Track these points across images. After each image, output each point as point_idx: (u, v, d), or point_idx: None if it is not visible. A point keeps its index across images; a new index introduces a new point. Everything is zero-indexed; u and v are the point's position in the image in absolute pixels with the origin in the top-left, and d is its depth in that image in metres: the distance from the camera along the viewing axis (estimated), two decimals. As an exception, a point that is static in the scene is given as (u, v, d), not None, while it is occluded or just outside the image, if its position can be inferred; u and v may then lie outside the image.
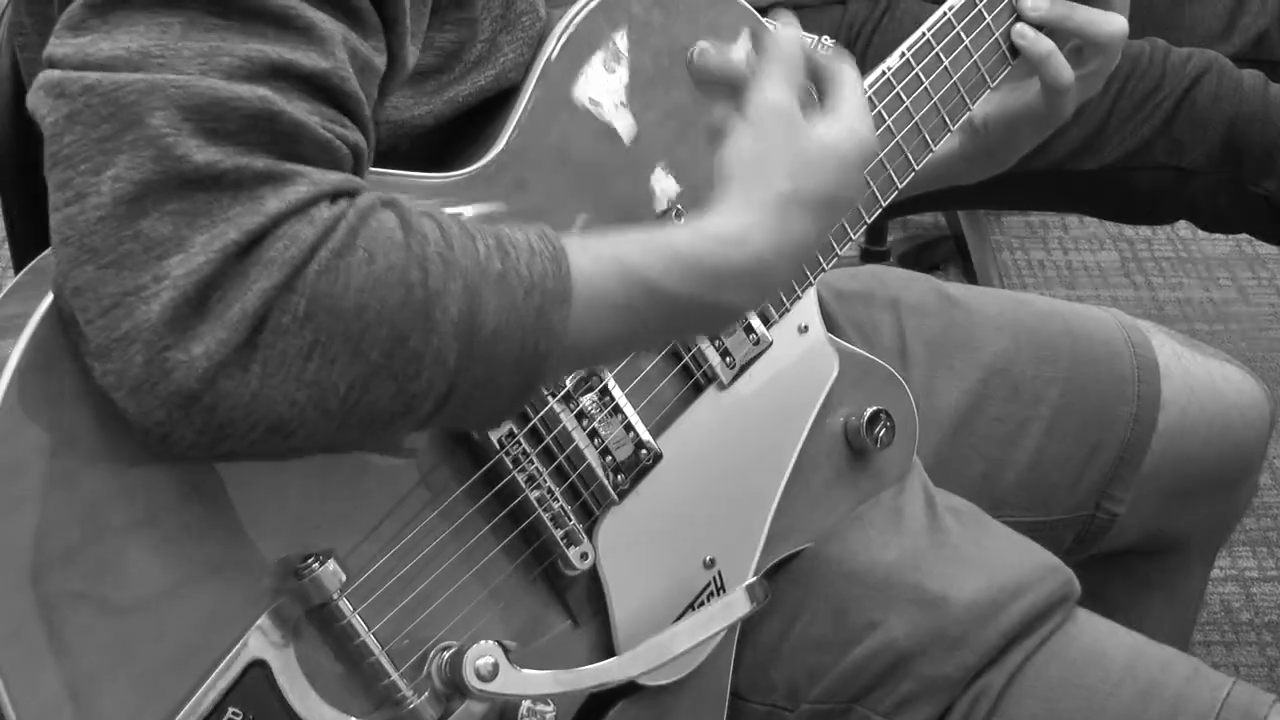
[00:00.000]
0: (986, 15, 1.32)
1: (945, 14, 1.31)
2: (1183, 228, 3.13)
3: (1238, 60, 2.08)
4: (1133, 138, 2.03)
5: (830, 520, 1.26)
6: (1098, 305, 1.59)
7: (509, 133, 1.11)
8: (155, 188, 0.88)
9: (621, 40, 1.16)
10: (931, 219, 3.10)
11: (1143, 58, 2.02)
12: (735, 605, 1.13)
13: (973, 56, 1.32)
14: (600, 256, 1.00)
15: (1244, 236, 2.79)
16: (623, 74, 1.16)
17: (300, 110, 0.92)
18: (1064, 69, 1.32)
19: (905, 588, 1.22)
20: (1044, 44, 1.32)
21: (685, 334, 1.14)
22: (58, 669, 0.90)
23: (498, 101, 1.14)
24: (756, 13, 1.24)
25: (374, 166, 1.02)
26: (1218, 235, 2.99)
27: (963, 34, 1.31)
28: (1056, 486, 1.48)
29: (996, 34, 1.33)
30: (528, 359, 0.96)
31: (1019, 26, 1.32)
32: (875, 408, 1.28)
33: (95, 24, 0.92)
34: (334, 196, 0.92)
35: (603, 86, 1.15)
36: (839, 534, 1.26)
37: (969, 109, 1.32)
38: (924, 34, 1.30)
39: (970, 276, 2.85)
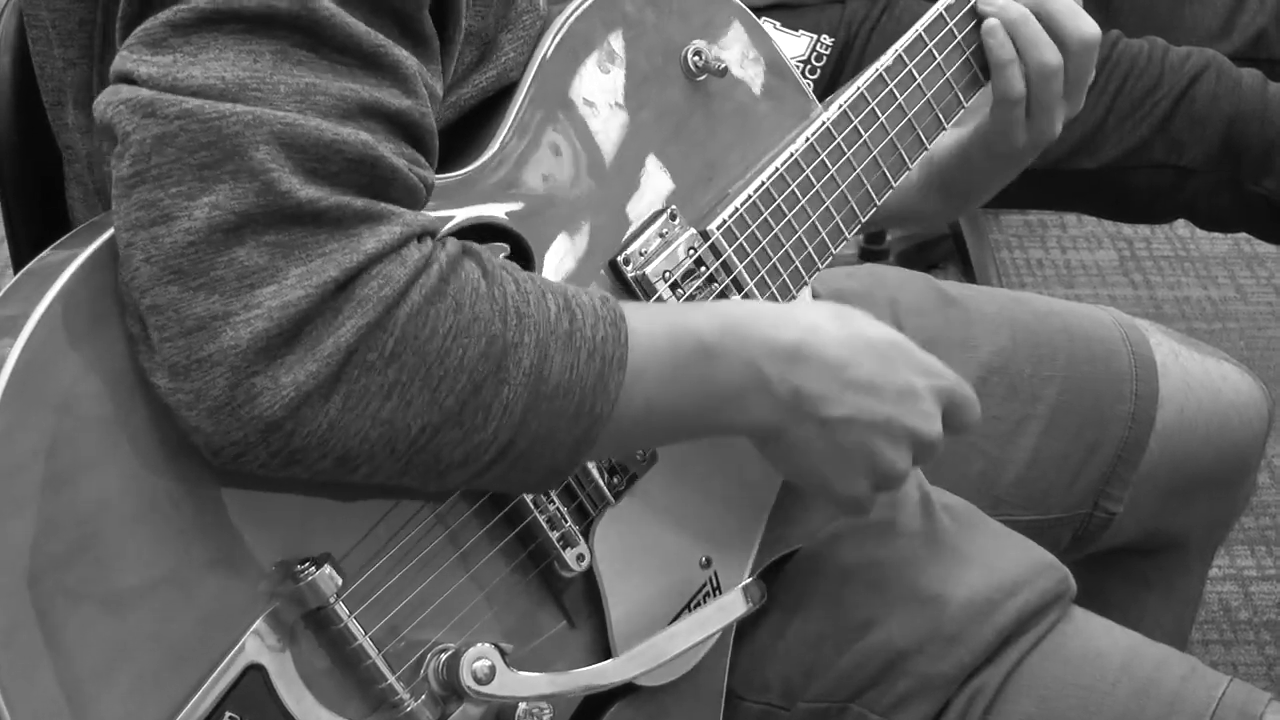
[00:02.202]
0: (957, 33, 1.29)
1: (917, 31, 1.28)
2: (1181, 227, 3.13)
3: (1236, 59, 2.08)
4: (1131, 136, 2.03)
5: (824, 522, 1.26)
6: (1096, 304, 1.59)
7: (504, 132, 1.11)
8: (255, 219, 0.90)
9: (616, 40, 1.16)
10: (931, 218, 3.10)
11: (1141, 56, 2.02)
12: (732, 606, 1.14)
13: (945, 74, 1.29)
14: (654, 319, 1.04)
15: (1242, 235, 2.79)
16: (617, 74, 1.16)
17: (390, 152, 0.95)
18: (1017, 80, 1.28)
19: (901, 586, 1.22)
20: (1008, 50, 1.28)
21: (732, 408, 1.08)
22: (54, 670, 0.91)
23: (498, 99, 1.14)
24: (751, 12, 1.24)
25: None
26: (1216, 234, 3.00)
27: (935, 51, 1.28)
28: (1054, 485, 1.48)
29: (968, 52, 1.30)
30: (584, 419, 0.98)
31: (989, 23, 1.29)
32: None
33: (178, 43, 0.93)
34: (420, 236, 0.95)
35: (597, 86, 1.15)
36: (834, 534, 1.26)
37: (943, 127, 1.29)
38: (896, 51, 1.27)
39: (969, 275, 2.85)
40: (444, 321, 0.94)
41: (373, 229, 0.93)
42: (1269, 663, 2.24)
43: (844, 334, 1.09)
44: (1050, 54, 1.28)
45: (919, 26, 1.28)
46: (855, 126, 1.24)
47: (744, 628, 1.21)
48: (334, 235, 0.92)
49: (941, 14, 1.29)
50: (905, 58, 1.27)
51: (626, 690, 1.14)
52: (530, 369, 0.96)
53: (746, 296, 1.19)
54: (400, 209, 0.95)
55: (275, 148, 0.91)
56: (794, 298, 1.22)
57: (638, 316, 1.02)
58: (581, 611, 1.12)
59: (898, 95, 1.26)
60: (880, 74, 1.26)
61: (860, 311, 1.13)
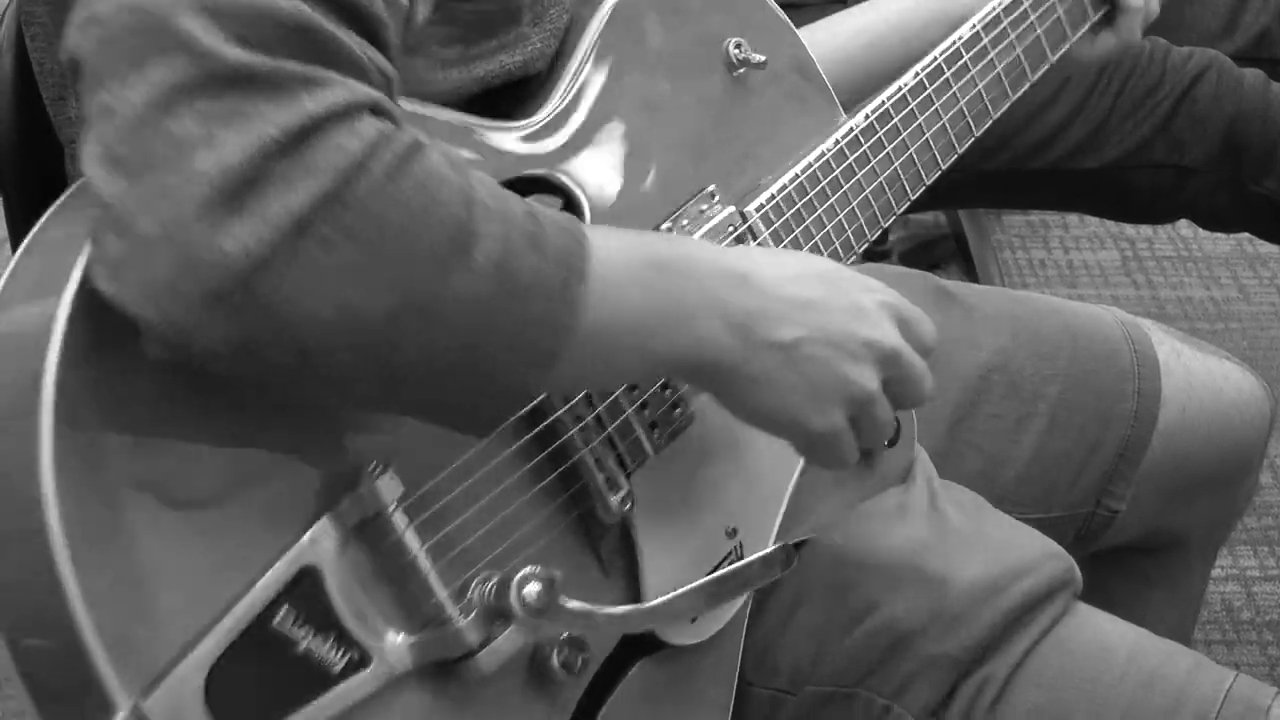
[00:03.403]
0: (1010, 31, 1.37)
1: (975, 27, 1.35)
2: (1183, 227, 3.13)
3: (1238, 59, 2.08)
4: (1133, 136, 2.03)
5: (834, 515, 1.26)
6: (1098, 304, 1.59)
7: (557, 96, 1.15)
8: (186, 88, 0.87)
9: (662, 21, 1.20)
10: (932, 218, 3.10)
11: (1143, 56, 2.02)
12: (771, 561, 1.15)
13: (994, 73, 1.36)
14: (610, 235, 1.01)
15: (1245, 235, 2.79)
16: (663, 54, 1.20)
17: (330, 24, 0.91)
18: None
19: (906, 569, 1.22)
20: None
21: (686, 330, 1.06)
22: (121, 555, 0.91)
23: (519, 86, 1.16)
24: (786, 17, 1.28)
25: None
26: (1218, 234, 2.99)
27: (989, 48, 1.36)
28: (1056, 484, 1.48)
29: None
30: (547, 329, 0.95)
31: None
32: None
33: None
34: (374, 110, 0.91)
35: (645, 63, 1.19)
36: (841, 524, 1.27)
37: (985, 125, 1.36)
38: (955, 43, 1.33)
39: (971, 275, 2.85)
40: (407, 201, 0.90)
41: (312, 92, 0.88)
42: (1271, 663, 2.24)
43: (787, 262, 1.09)
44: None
45: (975, 21, 1.35)
46: (896, 124, 1.28)
47: (752, 615, 1.21)
48: (271, 98, 0.87)
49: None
50: (964, 50, 1.33)
51: (652, 648, 1.14)
52: (499, 261, 0.92)
53: None
54: (343, 77, 0.90)
55: (202, 17, 0.87)
56: None
57: (596, 234, 0.99)
58: (616, 563, 1.12)
59: (933, 101, 1.31)
60: (939, 63, 1.31)
61: (797, 251, 1.14)
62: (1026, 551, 1.24)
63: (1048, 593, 1.22)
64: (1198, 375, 1.53)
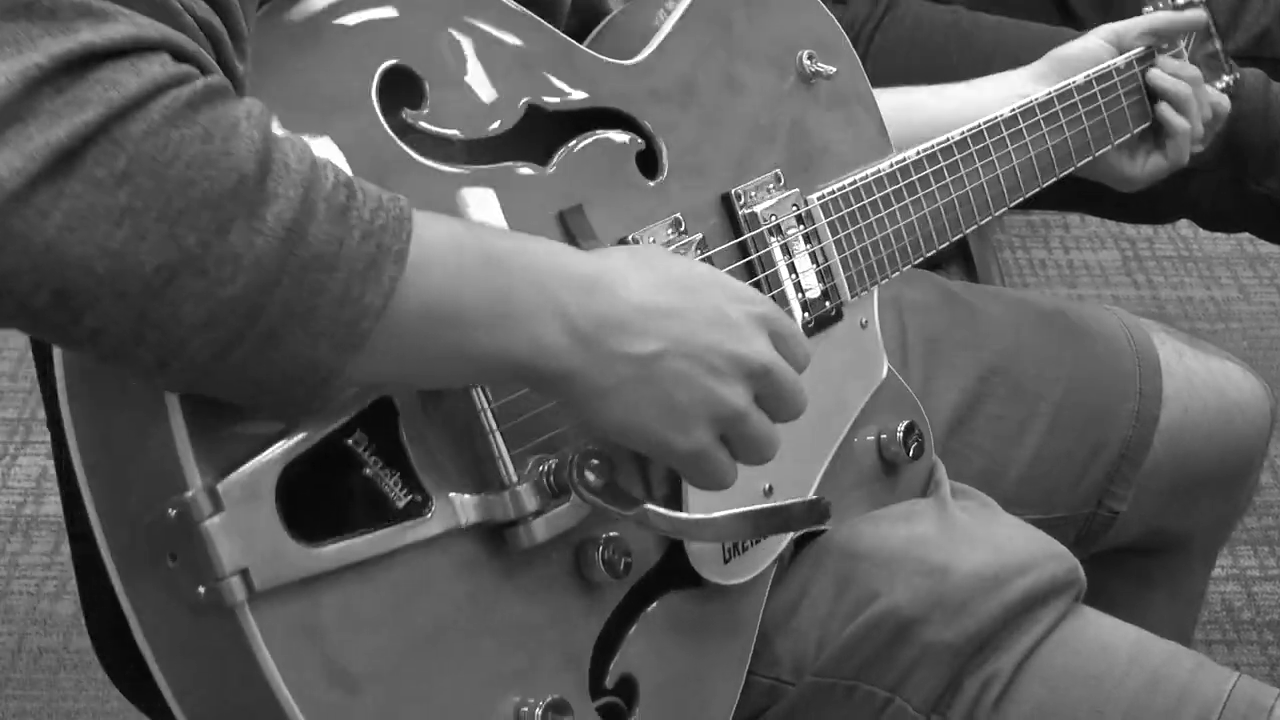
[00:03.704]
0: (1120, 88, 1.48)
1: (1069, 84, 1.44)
2: (1184, 226, 3.13)
3: (1239, 58, 2.08)
4: (1134, 136, 2.03)
5: (849, 516, 1.27)
6: (1099, 304, 1.59)
7: (653, 47, 1.19)
8: None
9: (748, 13, 1.25)
10: (933, 218, 3.09)
11: (1144, 56, 2.02)
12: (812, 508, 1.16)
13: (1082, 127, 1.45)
14: (441, 222, 0.96)
15: (1245, 235, 2.79)
16: (745, 42, 1.24)
17: None
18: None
19: (910, 560, 1.22)
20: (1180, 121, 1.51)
21: (523, 330, 0.98)
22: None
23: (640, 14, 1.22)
24: (854, 48, 1.33)
25: None
26: (1219, 234, 2.99)
27: (1079, 105, 1.45)
28: (1058, 484, 1.48)
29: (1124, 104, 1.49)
30: (350, 306, 0.90)
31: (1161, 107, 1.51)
32: (909, 420, 1.32)
33: None
34: (174, 54, 0.87)
35: (731, 44, 1.23)
36: (849, 521, 1.27)
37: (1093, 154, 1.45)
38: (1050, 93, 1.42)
39: (972, 275, 2.85)
40: (188, 148, 0.85)
41: (93, 24, 0.84)
42: (1272, 663, 2.24)
43: (644, 267, 1.03)
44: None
45: (1085, 76, 1.46)
46: (960, 158, 1.34)
47: None
48: (46, 27, 0.83)
49: (1111, 72, 1.48)
50: (1095, 83, 1.45)
51: (684, 584, 1.15)
52: (290, 223, 0.87)
53: (829, 267, 1.25)
54: (133, 13, 0.85)
55: None
56: (867, 291, 1.28)
57: (425, 219, 0.94)
58: (661, 490, 1.13)
59: (1017, 138, 1.39)
60: (1017, 114, 1.39)
61: (663, 249, 1.11)
62: (1031, 549, 1.24)
63: (1050, 591, 1.22)
64: (1199, 375, 1.54)
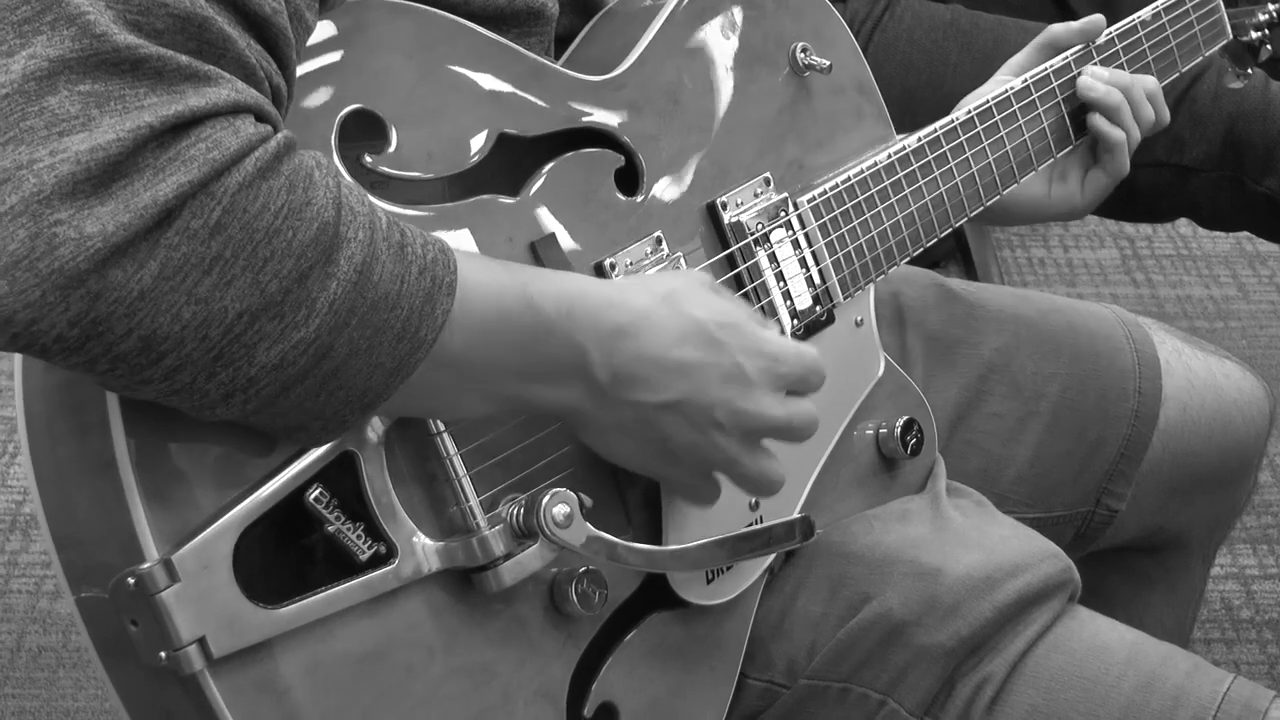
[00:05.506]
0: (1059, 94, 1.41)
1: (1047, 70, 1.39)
2: (1183, 225, 3.13)
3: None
4: (1133, 135, 2.03)
5: (847, 513, 1.27)
6: (1098, 303, 1.59)
7: (633, 58, 1.18)
8: (70, 65, 0.86)
9: (739, 12, 1.24)
10: (932, 217, 3.10)
11: (1143, 55, 2.02)
12: (794, 527, 1.17)
13: (1039, 126, 1.40)
14: (484, 263, 1.00)
15: (1244, 234, 2.80)
16: (735, 43, 1.24)
17: (225, 23, 0.90)
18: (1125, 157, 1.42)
19: (902, 563, 1.22)
20: (1117, 134, 1.41)
21: (545, 384, 1.04)
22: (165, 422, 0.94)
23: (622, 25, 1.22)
24: (851, 33, 1.32)
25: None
26: (1218, 233, 3.00)
27: (1037, 103, 1.39)
28: (1057, 482, 1.48)
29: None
30: (407, 341, 0.94)
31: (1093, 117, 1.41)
32: (909, 416, 1.32)
33: None
34: (258, 115, 0.91)
35: (718, 47, 1.23)
36: (843, 522, 1.27)
37: (1020, 176, 1.39)
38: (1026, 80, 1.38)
39: (971, 274, 2.85)
40: (276, 199, 0.89)
41: (198, 88, 0.87)
42: (1271, 661, 2.24)
43: (676, 314, 1.06)
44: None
45: (1053, 64, 1.40)
46: (945, 152, 1.32)
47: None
48: (154, 89, 0.86)
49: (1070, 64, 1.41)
50: (1032, 89, 1.38)
51: (668, 605, 1.15)
52: (361, 266, 0.91)
53: (822, 271, 1.25)
54: (231, 77, 0.89)
55: None
56: (861, 291, 1.28)
57: (467, 257, 0.99)
58: (640, 515, 1.14)
59: (991, 133, 1.35)
60: (993, 104, 1.36)
61: (704, 284, 1.10)
62: (1023, 550, 1.25)
63: (1043, 592, 1.22)
64: (1199, 374, 1.54)
